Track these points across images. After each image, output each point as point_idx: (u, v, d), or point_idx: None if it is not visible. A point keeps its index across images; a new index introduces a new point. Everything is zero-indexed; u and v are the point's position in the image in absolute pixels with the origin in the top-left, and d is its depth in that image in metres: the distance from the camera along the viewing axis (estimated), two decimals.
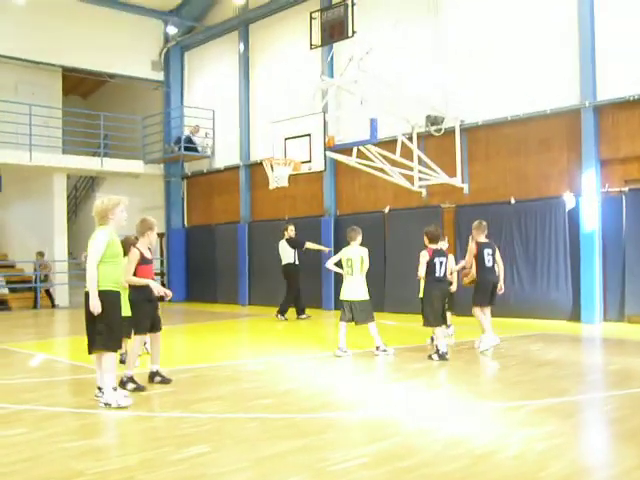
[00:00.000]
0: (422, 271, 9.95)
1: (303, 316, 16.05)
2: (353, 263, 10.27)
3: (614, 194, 13.87)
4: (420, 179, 15.98)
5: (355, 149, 14.81)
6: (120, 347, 7.32)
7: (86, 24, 21.65)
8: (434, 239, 10.09)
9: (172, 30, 22.68)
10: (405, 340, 11.81)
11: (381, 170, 15.38)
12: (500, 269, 10.73)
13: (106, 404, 6.84)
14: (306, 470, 4.85)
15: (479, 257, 10.50)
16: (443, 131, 15.83)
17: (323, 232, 18.28)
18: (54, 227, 22.76)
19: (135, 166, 23.10)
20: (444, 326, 10.53)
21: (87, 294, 6.84)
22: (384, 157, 15.15)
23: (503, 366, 9.29)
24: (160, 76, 23.64)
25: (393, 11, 17.04)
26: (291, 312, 15.96)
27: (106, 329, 6.81)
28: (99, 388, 7.18)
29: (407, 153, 15.23)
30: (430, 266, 9.93)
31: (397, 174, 15.60)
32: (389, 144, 15.01)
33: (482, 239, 10.58)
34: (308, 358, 10.30)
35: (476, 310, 10.56)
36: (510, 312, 14.61)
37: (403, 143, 14.95)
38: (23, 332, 14.30)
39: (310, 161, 13.32)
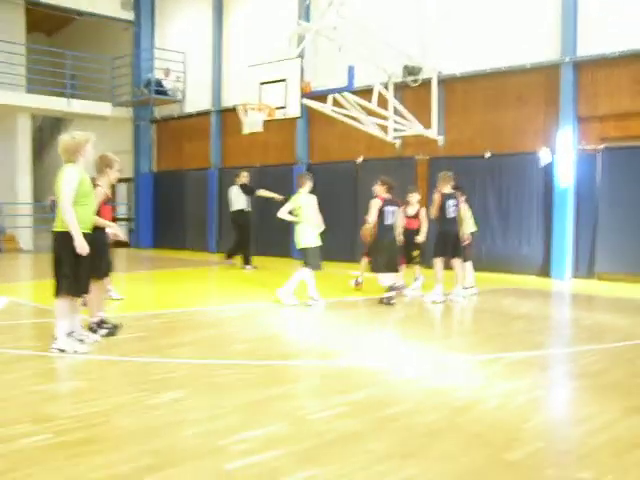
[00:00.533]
0: (373, 218, 10.13)
1: (248, 267, 15.55)
2: (302, 210, 10.19)
3: (589, 151, 13.83)
4: (395, 130, 15.79)
5: (331, 97, 14.54)
6: (87, 292, 7.03)
7: None
8: (390, 189, 10.34)
9: None
10: (377, 290, 11.74)
11: (356, 119, 15.15)
12: (465, 220, 10.97)
13: (60, 350, 6.52)
14: (285, 418, 4.74)
15: (442, 208, 10.56)
16: (420, 82, 15.62)
17: (295, 180, 18.04)
18: (17, 168, 22.21)
19: (103, 108, 22.51)
20: (394, 273, 10.47)
21: (57, 236, 6.52)
22: (360, 106, 14.91)
23: (477, 319, 9.28)
24: (130, 16, 22.91)
25: None
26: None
27: (73, 273, 6.53)
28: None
29: (383, 103, 14.99)
30: (381, 214, 10.14)
31: (372, 124, 15.38)
32: (365, 93, 14.73)
33: (447, 190, 10.64)
34: (279, 306, 10.16)
35: (436, 261, 10.70)
36: (482, 266, 14.55)
37: (379, 93, 14.70)
38: None
39: (285, 107, 13.03)
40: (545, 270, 14.22)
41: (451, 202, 10.59)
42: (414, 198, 11.74)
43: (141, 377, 5.86)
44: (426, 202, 15.23)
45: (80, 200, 6.54)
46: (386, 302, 9.95)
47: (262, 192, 15.73)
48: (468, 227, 11.36)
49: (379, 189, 10.38)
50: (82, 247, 6.41)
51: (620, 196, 13.45)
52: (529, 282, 13.48)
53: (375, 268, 10.40)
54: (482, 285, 12.38)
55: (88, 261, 6.61)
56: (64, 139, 6.76)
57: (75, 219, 6.41)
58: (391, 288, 10.14)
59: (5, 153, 22.43)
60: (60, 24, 26.64)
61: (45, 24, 26.60)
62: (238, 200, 15.72)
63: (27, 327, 8.70)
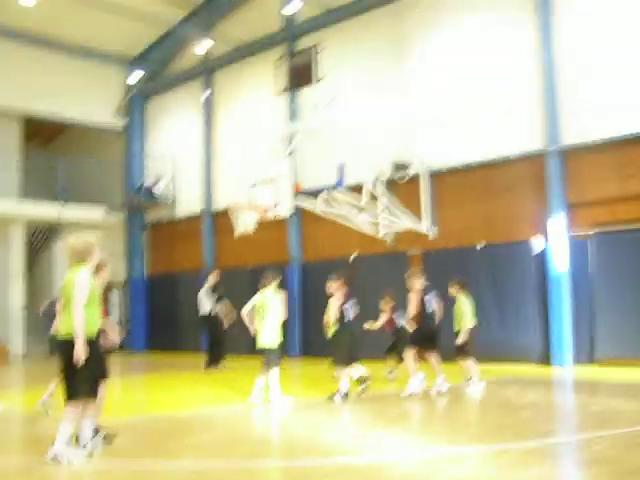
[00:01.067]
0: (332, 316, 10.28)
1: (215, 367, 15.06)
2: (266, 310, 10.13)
3: (581, 237, 13.94)
4: (384, 226, 15.86)
5: (320, 196, 14.68)
6: (97, 395, 6.78)
7: (48, 71, 21.48)
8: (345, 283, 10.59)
9: (134, 78, 22.55)
10: (379, 386, 11.57)
11: (345, 217, 15.24)
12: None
13: (54, 457, 6.14)
14: None
15: (421, 304, 10.67)
16: (408, 177, 15.81)
17: (288, 280, 18.03)
18: (9, 278, 22.14)
19: (96, 214, 22.63)
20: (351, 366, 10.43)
21: (68, 343, 6.23)
22: (350, 203, 15.02)
23: (482, 410, 9.09)
24: (122, 122, 23.40)
25: (360, 56, 17.16)
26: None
27: (88, 377, 6.31)
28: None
29: (374, 199, 15.13)
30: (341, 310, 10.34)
31: (364, 221, 15.46)
32: (356, 190, 14.88)
33: (420, 286, 10.73)
34: (277, 407, 9.94)
35: (409, 353, 10.60)
36: (480, 356, 14.37)
37: (370, 189, 14.85)
38: None
39: (277, 206, 13.14)
40: (545, 358, 14.05)
41: (428, 297, 10.68)
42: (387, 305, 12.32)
43: None
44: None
45: (89, 304, 6.34)
46: (361, 392, 10.08)
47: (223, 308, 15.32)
48: (467, 322, 11.29)
49: (335, 285, 10.44)
50: (81, 354, 6.15)
51: (614, 280, 13.49)
52: (530, 371, 13.30)
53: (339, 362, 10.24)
54: (483, 376, 12.19)
55: (96, 366, 6.43)
56: (75, 241, 6.62)
57: (83, 323, 6.20)
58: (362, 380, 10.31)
59: None
60: (56, 132, 27.14)
61: (42, 133, 27.09)
62: (204, 303, 15.37)
63: (17, 436, 8.45)
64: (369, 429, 7.77)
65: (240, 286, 16.79)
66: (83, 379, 6.28)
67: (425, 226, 15.66)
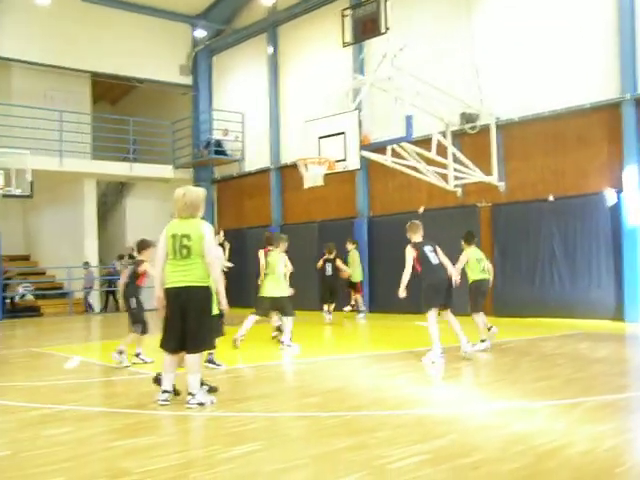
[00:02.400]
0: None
1: None
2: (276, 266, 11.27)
3: None
4: (455, 178, 15.67)
5: (389, 148, 14.56)
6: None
7: (114, 30, 21.70)
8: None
9: (200, 34, 22.61)
10: (446, 340, 11.53)
11: (415, 169, 15.11)
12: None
13: (200, 404, 6.51)
14: (364, 468, 4.61)
15: (422, 257, 9.57)
16: (478, 128, 15.54)
17: (356, 234, 18.04)
18: (84, 233, 22.81)
19: (164, 171, 23.04)
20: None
21: (201, 291, 6.49)
22: (419, 155, 14.88)
23: (553, 364, 8.96)
24: (188, 80, 23.61)
25: (427, 6, 16.82)
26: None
27: (217, 328, 6.72)
28: (175, 390, 6.92)
29: (442, 151, 14.94)
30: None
31: (432, 173, 15.32)
32: (424, 142, 14.71)
33: (418, 239, 9.77)
34: (346, 358, 10.07)
35: (430, 314, 9.52)
36: (550, 312, 14.33)
37: (438, 141, 14.66)
38: (57, 336, 14.22)
39: (345, 160, 13.09)
40: (618, 313, 13.75)
41: (429, 248, 9.72)
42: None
43: (214, 431, 5.80)
44: (491, 250, 15.12)
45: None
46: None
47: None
48: (474, 274, 10.88)
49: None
50: (226, 303, 6.70)
51: None
52: (602, 326, 13.05)
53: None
54: (553, 330, 12.10)
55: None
56: (191, 194, 6.67)
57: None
58: None
59: (73, 218, 23.14)
60: (123, 93, 27.60)
61: (109, 94, 27.62)
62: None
63: (99, 385, 8.74)
64: (439, 382, 7.77)
65: (308, 241, 16.88)
66: (212, 330, 6.66)
67: (495, 178, 15.44)
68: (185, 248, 6.50)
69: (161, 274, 6.64)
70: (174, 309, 6.51)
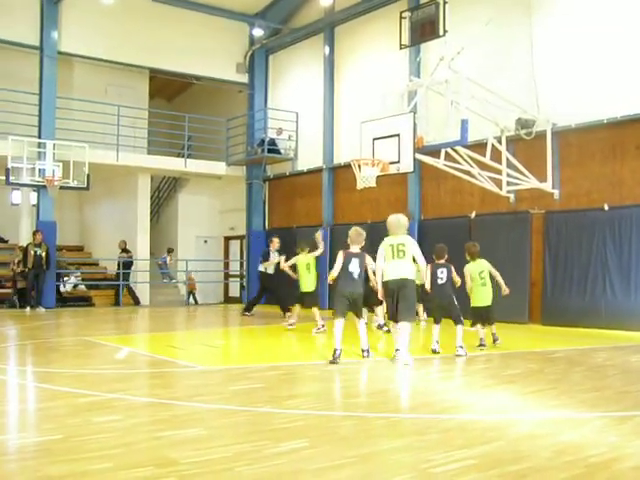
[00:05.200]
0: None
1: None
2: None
3: None
4: (508, 184, 15.53)
5: (443, 151, 14.49)
6: None
7: (173, 27, 21.97)
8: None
9: (258, 33, 22.75)
10: (498, 346, 11.44)
11: (469, 173, 15.00)
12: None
13: (405, 363, 8.96)
14: (410, 470, 4.59)
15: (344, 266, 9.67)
16: (534, 134, 15.35)
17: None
18: (137, 227, 23.18)
19: (217, 168, 23.28)
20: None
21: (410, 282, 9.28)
22: (472, 160, 14.76)
23: (604, 375, 8.81)
24: (244, 78, 23.79)
25: (485, 10, 16.66)
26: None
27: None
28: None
29: (496, 157, 14.79)
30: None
31: (485, 178, 15.19)
32: (478, 147, 14.59)
33: (353, 249, 9.75)
34: (389, 361, 10.03)
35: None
36: (602, 322, 14.09)
37: (492, 146, 14.53)
38: (107, 327, 14.47)
39: (399, 162, 13.05)
40: None
41: (355, 260, 9.70)
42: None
43: (261, 427, 5.83)
44: (542, 258, 14.93)
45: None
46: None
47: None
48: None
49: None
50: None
51: None
52: None
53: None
54: (604, 342, 11.89)
55: None
56: (403, 219, 9.67)
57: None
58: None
59: (127, 211, 23.56)
60: (179, 89, 27.98)
61: (165, 90, 28.02)
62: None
63: (148, 376, 8.87)
64: (487, 389, 7.69)
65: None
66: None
67: (549, 185, 15.23)
68: (402, 252, 9.25)
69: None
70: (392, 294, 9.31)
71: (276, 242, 17.50)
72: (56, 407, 6.48)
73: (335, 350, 9.28)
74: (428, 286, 10.24)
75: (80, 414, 6.16)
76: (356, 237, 9.76)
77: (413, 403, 6.84)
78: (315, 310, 13.92)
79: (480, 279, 11.05)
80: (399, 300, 9.32)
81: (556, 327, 14.39)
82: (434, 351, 10.15)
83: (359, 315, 9.70)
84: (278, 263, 16.51)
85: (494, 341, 11.14)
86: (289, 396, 7.08)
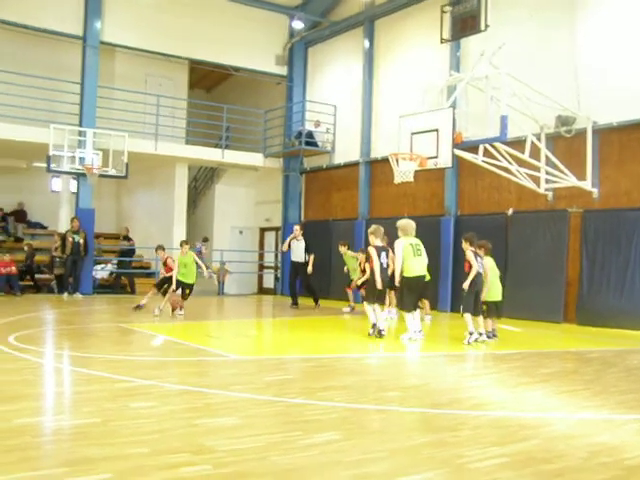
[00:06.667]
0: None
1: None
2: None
3: None
4: (547, 181, 15.39)
5: (482, 147, 14.39)
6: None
7: (213, 19, 22.07)
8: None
9: (297, 25, 22.75)
10: (532, 345, 11.37)
11: (507, 170, 14.88)
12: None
13: (409, 338, 10.88)
14: (444, 465, 4.60)
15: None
16: (574, 132, 15.18)
17: (443, 232, 17.91)
18: (174, 216, 23.39)
19: (255, 159, 23.36)
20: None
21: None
22: (511, 156, 14.64)
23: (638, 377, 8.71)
24: (283, 70, 23.82)
25: (527, 5, 16.48)
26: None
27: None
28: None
29: (535, 154, 14.65)
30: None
31: (523, 175, 15.06)
32: (516, 143, 14.45)
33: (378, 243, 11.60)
34: (430, 355, 10.05)
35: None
36: (638, 324, 13.88)
37: (531, 143, 14.38)
38: (142, 314, 14.62)
39: (437, 157, 12.98)
40: None
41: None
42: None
43: (294, 417, 5.88)
44: (580, 257, 14.79)
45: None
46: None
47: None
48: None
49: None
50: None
51: None
52: None
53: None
54: None
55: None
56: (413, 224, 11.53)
57: None
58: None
59: (164, 201, 23.78)
60: (218, 80, 28.14)
61: (205, 81, 28.19)
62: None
63: (183, 364, 8.96)
64: (521, 386, 7.65)
65: (394, 237, 16.71)
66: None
67: (588, 184, 15.05)
68: (419, 251, 11.16)
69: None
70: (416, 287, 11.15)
71: (297, 230, 17.93)
72: (94, 391, 6.59)
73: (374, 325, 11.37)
74: None
75: (117, 399, 6.25)
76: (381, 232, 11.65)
77: (446, 399, 6.82)
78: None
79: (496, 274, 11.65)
80: (422, 292, 11.74)
81: (591, 327, 14.23)
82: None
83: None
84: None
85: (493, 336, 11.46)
86: (322, 388, 7.11)
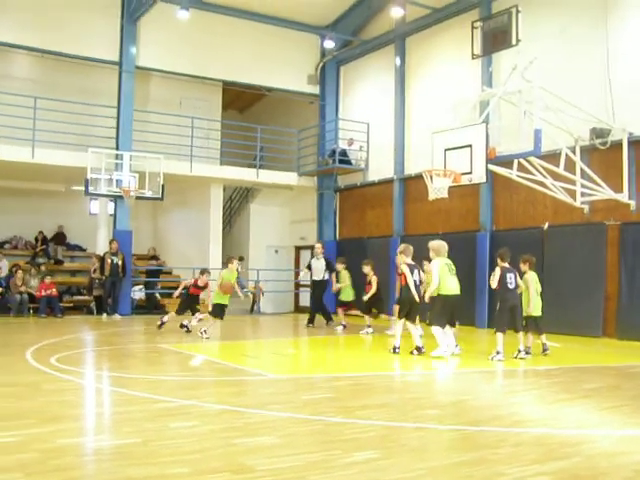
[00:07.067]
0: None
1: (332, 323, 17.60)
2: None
3: None
4: (583, 194, 15.25)
5: (516, 162, 14.33)
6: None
7: (245, 40, 22.32)
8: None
9: (329, 44, 22.90)
10: (572, 360, 11.24)
11: (542, 184, 14.78)
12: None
13: (437, 355, 10.92)
14: None
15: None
16: (609, 144, 15.04)
17: (478, 248, 17.82)
18: (210, 236, 23.57)
19: (289, 178, 23.50)
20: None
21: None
22: (546, 170, 14.54)
23: None
24: (315, 90, 23.98)
25: (558, 19, 16.43)
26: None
27: None
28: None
29: (570, 167, 14.54)
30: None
31: (559, 188, 14.95)
32: (551, 157, 14.36)
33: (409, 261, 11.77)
34: (467, 372, 9.99)
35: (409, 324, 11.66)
36: None
37: (566, 156, 14.28)
38: (181, 334, 14.74)
39: (471, 173, 12.96)
40: None
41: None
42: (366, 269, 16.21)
43: (333, 436, 5.88)
44: (618, 270, 14.60)
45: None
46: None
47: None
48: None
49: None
50: None
51: None
52: None
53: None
54: None
55: None
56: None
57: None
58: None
59: (200, 221, 24.00)
60: (251, 101, 28.39)
61: (238, 102, 28.47)
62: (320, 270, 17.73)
63: (222, 384, 9.01)
64: (561, 403, 7.57)
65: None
66: None
67: (625, 196, 14.89)
68: (453, 270, 11.41)
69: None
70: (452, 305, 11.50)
71: (318, 248, 17.97)
72: (134, 412, 6.66)
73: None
74: None
75: (157, 419, 6.32)
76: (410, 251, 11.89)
77: (485, 416, 6.78)
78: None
79: (536, 290, 11.67)
80: (455, 310, 11.69)
81: (632, 341, 14.03)
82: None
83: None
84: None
85: (544, 350, 11.50)
86: (360, 406, 7.11)
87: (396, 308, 13.54)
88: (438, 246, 11.72)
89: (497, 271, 11.15)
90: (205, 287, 15.41)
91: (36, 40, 19.74)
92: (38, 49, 20.17)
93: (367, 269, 16.27)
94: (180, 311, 15.39)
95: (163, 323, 15.48)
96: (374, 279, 16.03)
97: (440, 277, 11.26)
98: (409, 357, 11.18)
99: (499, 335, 10.84)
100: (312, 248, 19.81)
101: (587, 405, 7.37)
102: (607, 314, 15.16)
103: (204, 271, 15.50)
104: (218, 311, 14.16)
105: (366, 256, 21.09)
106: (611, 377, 9.69)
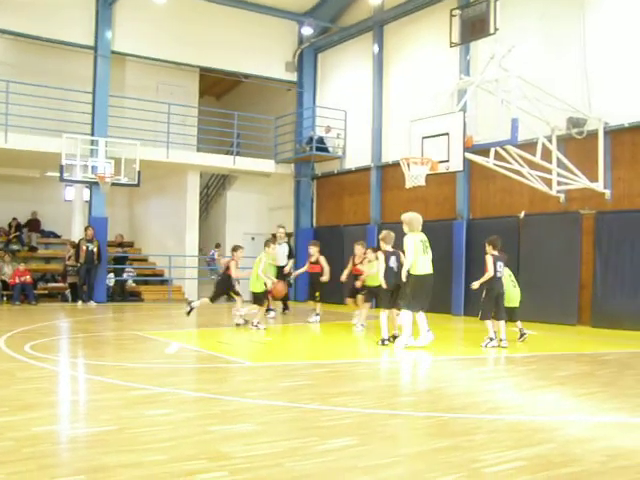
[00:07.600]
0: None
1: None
2: None
3: None
4: (559, 183, 15.35)
5: (492, 150, 14.38)
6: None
7: (223, 26, 22.19)
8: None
9: (307, 31, 22.80)
10: (547, 348, 11.33)
11: (518, 173, 14.86)
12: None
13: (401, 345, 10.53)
14: (460, 469, 4.59)
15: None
16: (585, 133, 15.14)
17: (455, 236, 17.89)
18: (186, 223, 23.48)
19: (266, 165, 23.43)
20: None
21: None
22: (522, 159, 14.62)
23: None
24: (293, 77, 23.90)
25: (536, 7, 16.47)
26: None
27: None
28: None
29: (546, 156, 14.63)
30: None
31: (535, 177, 15.03)
32: (527, 146, 14.47)
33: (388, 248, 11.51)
34: (444, 359, 10.04)
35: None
36: None
37: (543, 145, 14.37)
38: (157, 322, 14.69)
39: (448, 161, 13.00)
40: None
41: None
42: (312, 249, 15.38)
43: (309, 423, 5.88)
44: (593, 259, 14.72)
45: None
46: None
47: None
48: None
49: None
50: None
51: None
52: None
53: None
54: None
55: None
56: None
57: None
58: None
59: (176, 208, 23.89)
60: (228, 88, 28.26)
61: (215, 88, 28.31)
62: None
63: (199, 371, 8.99)
64: (535, 390, 7.63)
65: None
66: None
67: (600, 185, 15.00)
68: (427, 248, 10.65)
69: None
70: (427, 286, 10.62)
71: (281, 233, 17.37)
72: (110, 399, 6.62)
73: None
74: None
75: (133, 406, 6.28)
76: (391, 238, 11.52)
77: (461, 403, 6.81)
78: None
79: (511, 281, 11.71)
80: (429, 292, 10.81)
81: (606, 329, 14.18)
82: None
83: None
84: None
85: (521, 336, 11.66)
86: (337, 393, 7.11)
87: (360, 298, 13.75)
88: (410, 219, 10.88)
89: (489, 259, 10.98)
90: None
91: (10, 23, 19.46)
92: (11, 31, 19.83)
93: (313, 250, 15.50)
94: (215, 297, 14.33)
95: (192, 309, 14.39)
96: (322, 259, 15.34)
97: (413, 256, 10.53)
98: (389, 345, 11.19)
99: (487, 322, 10.86)
100: (290, 235, 19.81)
101: (562, 392, 7.43)
102: (582, 302, 15.30)
103: (237, 247, 14.60)
104: (262, 298, 13.89)
105: (343, 243, 21.17)
106: (585, 364, 9.78)
